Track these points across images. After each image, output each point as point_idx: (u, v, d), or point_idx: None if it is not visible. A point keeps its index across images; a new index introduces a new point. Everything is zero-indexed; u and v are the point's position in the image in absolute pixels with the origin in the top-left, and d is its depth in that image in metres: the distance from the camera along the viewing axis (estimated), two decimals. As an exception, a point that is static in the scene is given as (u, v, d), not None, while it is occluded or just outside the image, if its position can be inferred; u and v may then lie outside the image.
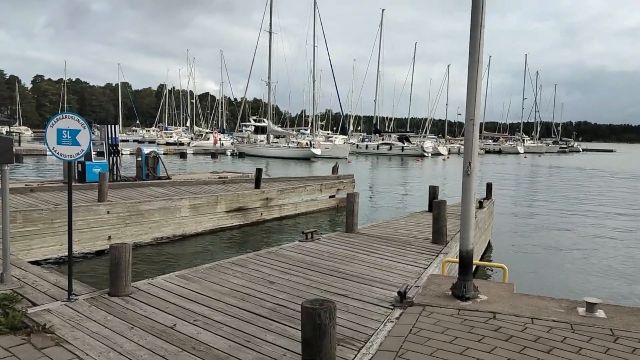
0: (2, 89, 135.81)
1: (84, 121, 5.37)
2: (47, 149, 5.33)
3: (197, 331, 4.70)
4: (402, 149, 73.89)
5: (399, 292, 5.66)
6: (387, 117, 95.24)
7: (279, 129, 71.35)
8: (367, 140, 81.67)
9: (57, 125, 5.25)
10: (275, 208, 17.73)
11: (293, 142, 63.29)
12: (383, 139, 78.83)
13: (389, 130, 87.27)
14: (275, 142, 63.96)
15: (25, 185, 15.21)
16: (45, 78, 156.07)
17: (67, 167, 5.81)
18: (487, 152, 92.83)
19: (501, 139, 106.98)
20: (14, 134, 61.45)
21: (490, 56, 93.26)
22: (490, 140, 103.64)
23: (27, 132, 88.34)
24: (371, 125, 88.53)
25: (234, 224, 15.94)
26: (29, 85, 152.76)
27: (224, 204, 15.70)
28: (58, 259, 11.34)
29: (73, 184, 16.89)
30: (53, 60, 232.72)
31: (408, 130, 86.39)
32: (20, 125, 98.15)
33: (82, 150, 5.38)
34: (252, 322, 4.98)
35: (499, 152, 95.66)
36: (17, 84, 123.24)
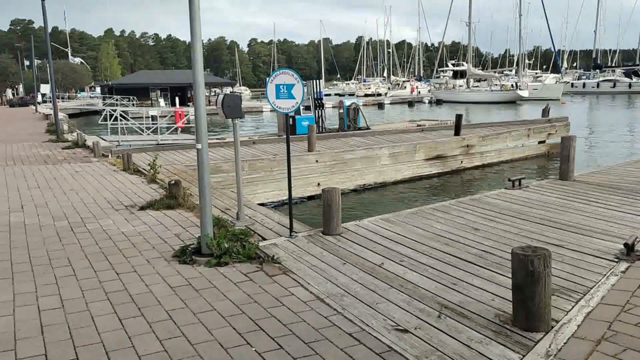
0: (225, 54, 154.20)
1: (298, 76, 5.86)
2: (268, 103, 5.96)
3: (403, 271, 4.91)
4: (630, 85, 63.67)
5: (625, 244, 5.06)
6: (610, 50, 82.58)
7: (480, 72, 67.47)
8: (584, 77, 72.31)
9: (276, 81, 5.82)
10: (477, 155, 17.05)
11: (496, 85, 59.32)
12: (605, 76, 68.78)
13: (613, 65, 75.66)
14: (476, 87, 60.78)
15: (249, 138, 17.30)
16: (259, 41, 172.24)
17: (285, 119, 6.42)
18: None
19: None
20: (236, 93, 69.71)
21: None
22: None
23: (246, 92, 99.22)
24: (590, 61, 77.81)
25: (433, 172, 15.87)
26: (246, 49, 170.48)
27: (423, 152, 15.68)
28: (277, 203, 12.75)
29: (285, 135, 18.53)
30: (264, 23, 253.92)
31: (637, 63, 73.65)
32: (240, 85, 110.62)
33: (297, 103, 5.89)
34: (458, 267, 5.00)
35: None
36: (236, 49, 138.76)
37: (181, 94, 58.84)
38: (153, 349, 3.47)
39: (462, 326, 3.75)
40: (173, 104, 51.50)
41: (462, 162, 16.60)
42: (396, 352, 3.40)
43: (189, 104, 55.57)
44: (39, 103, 45.67)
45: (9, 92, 68.95)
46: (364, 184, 14.48)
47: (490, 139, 17.48)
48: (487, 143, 17.32)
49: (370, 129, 20.29)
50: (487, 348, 3.43)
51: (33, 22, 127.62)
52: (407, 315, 3.96)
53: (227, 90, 61.04)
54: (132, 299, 4.35)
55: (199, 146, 5.31)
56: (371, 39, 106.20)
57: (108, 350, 3.45)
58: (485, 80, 62.60)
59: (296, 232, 6.20)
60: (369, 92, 76.90)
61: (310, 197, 13.24)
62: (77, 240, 6.11)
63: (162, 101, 56.82)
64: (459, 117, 17.60)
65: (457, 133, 17.25)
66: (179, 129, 24.69)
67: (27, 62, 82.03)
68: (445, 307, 4.09)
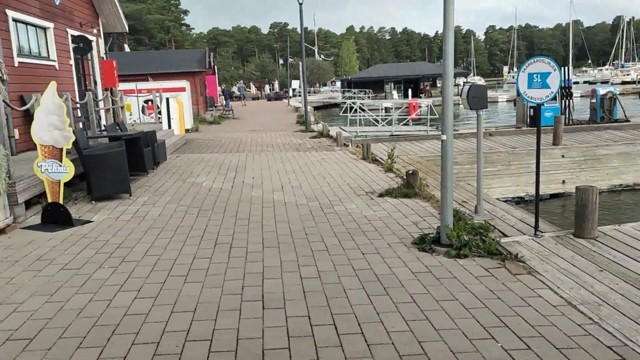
0: (459, 43, 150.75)
1: (555, 63, 5.43)
2: (517, 93, 5.68)
3: (679, 288, 4.20)
4: None
5: None
6: None
7: None
8: None
9: (529, 69, 5.51)
10: None
11: None
12: None
13: None
14: None
15: (485, 129, 16.70)
16: (497, 28, 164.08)
17: (535, 110, 6.04)
18: None
19: None
20: (469, 83, 67.73)
21: None
22: None
23: (479, 82, 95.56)
24: None
25: None
26: (482, 37, 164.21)
27: None
28: (513, 199, 12.08)
29: (525, 127, 17.36)
30: (504, 8, 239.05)
31: None
32: (474, 75, 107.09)
33: (552, 92, 5.47)
34: None
35: None
36: (472, 37, 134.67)
37: (414, 85, 59.79)
38: (399, 328, 3.68)
39: None
40: (406, 96, 52.72)
41: None
42: (671, 379, 2.96)
43: (421, 95, 56.18)
44: (290, 97, 51.68)
45: (267, 87, 79.69)
46: (621, 184, 12.70)
47: None
48: None
49: (629, 121, 17.61)
50: None
51: (288, 25, 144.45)
52: (685, 339, 3.39)
53: (461, 80, 59.78)
54: (377, 278, 4.67)
55: (444, 137, 5.37)
56: (633, 18, 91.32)
57: (360, 322, 3.78)
58: None
59: (542, 232, 5.81)
60: (627, 79, 66.51)
61: (553, 196, 12.21)
62: (327, 220, 6.79)
63: (395, 93, 58.64)
64: None
65: None
66: (411, 120, 25.21)
67: (281, 61, 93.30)
68: None
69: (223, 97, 38.35)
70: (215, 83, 40.88)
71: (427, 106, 22.85)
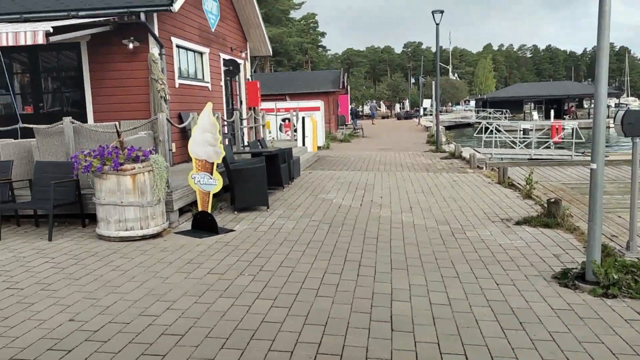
0: (612, 62, 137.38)
1: None
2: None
3: None
4: None
5: None
6: None
7: None
8: None
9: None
10: None
11: None
12: None
13: None
14: None
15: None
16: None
17: None
18: None
19: None
20: (622, 105, 61.60)
21: None
22: None
23: (634, 103, 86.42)
24: None
25: None
26: (638, 54, 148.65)
27: None
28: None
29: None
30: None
31: None
32: (627, 96, 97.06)
33: None
34: None
35: None
36: (626, 55, 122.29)
37: (557, 106, 55.79)
38: (536, 367, 3.48)
39: None
40: (547, 117, 49.40)
41: None
42: None
43: (565, 117, 52.24)
44: (420, 116, 51.18)
45: (397, 106, 79.82)
46: None
47: None
48: None
49: None
50: None
51: (422, 44, 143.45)
52: None
53: (612, 101, 54.58)
54: (512, 311, 4.45)
55: (594, 166, 4.98)
56: None
57: (493, 355, 3.64)
58: None
59: None
60: None
61: None
62: (458, 245, 6.62)
63: (535, 114, 55.23)
64: None
65: None
66: (553, 144, 23.59)
67: (412, 80, 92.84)
68: None
69: (351, 116, 39.37)
70: (347, 102, 41.95)
71: (572, 129, 21.21)
